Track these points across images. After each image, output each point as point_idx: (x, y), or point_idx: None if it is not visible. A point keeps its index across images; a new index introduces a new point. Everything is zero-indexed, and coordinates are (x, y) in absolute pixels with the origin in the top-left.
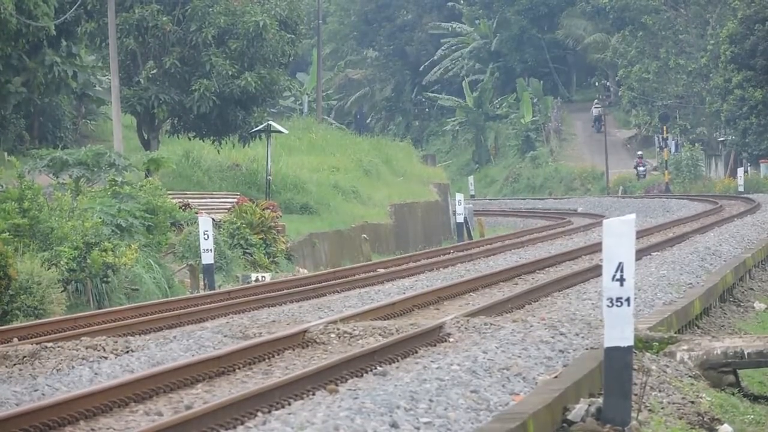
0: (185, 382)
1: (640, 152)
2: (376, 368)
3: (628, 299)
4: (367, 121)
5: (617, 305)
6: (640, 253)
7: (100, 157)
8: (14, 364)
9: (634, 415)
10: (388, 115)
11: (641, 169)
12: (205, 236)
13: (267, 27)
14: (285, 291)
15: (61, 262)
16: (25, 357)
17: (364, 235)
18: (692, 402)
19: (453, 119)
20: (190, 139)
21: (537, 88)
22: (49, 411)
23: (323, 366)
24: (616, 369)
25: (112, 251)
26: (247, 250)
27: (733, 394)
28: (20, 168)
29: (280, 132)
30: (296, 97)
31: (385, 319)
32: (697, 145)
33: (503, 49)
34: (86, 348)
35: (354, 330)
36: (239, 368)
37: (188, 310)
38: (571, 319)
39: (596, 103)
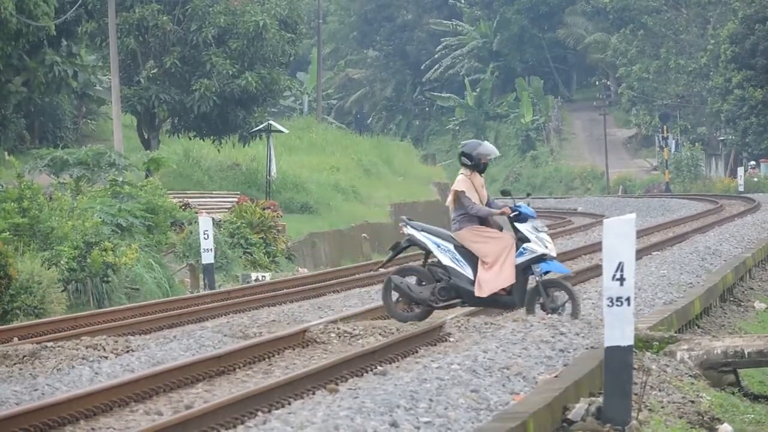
0: (185, 382)
1: (752, 162)
2: (376, 368)
3: (628, 299)
4: (368, 120)
5: (617, 305)
6: (641, 253)
7: (100, 157)
8: (14, 364)
9: (634, 414)
10: (388, 114)
11: (755, 180)
12: (205, 236)
13: (267, 27)
14: (285, 290)
15: (62, 262)
16: (25, 356)
17: (365, 235)
18: (692, 401)
19: (453, 118)
20: (190, 139)
21: (537, 88)
22: (50, 410)
23: (323, 365)
24: (616, 368)
25: (113, 251)
26: (247, 250)
27: (733, 393)
28: (20, 168)
29: (280, 131)
30: (296, 97)
31: (385, 319)
32: (697, 144)
33: (503, 48)
34: (86, 347)
35: (354, 329)
36: (239, 368)
37: (188, 309)
38: (571, 319)
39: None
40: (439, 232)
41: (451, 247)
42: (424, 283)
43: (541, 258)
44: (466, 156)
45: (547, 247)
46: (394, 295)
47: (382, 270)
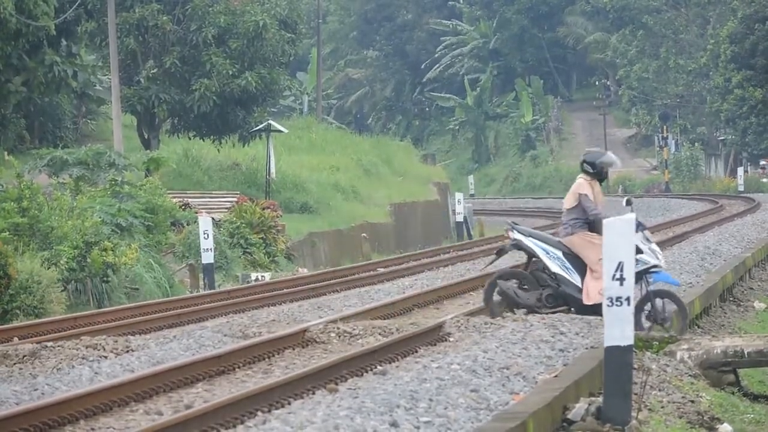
0: (185, 382)
1: (763, 162)
2: (376, 367)
3: (628, 298)
4: (367, 120)
5: (617, 304)
6: None
7: (100, 157)
8: (14, 363)
9: (634, 414)
10: (388, 114)
11: (765, 180)
12: (205, 236)
13: (267, 26)
14: (285, 290)
15: (61, 262)
16: (25, 356)
17: (364, 235)
18: (692, 401)
19: (453, 118)
20: (190, 139)
21: (537, 88)
22: (49, 410)
23: (323, 365)
24: (616, 368)
25: (112, 251)
26: (246, 250)
27: (733, 393)
28: (20, 168)
29: (280, 131)
30: (296, 97)
31: (385, 319)
32: (697, 144)
33: (503, 48)
34: (86, 347)
35: (354, 329)
36: (239, 367)
37: (188, 309)
38: (571, 318)
39: None
40: (546, 237)
41: (560, 254)
42: (526, 287)
43: (651, 269)
44: (588, 164)
45: (658, 258)
46: (496, 298)
47: (490, 268)
